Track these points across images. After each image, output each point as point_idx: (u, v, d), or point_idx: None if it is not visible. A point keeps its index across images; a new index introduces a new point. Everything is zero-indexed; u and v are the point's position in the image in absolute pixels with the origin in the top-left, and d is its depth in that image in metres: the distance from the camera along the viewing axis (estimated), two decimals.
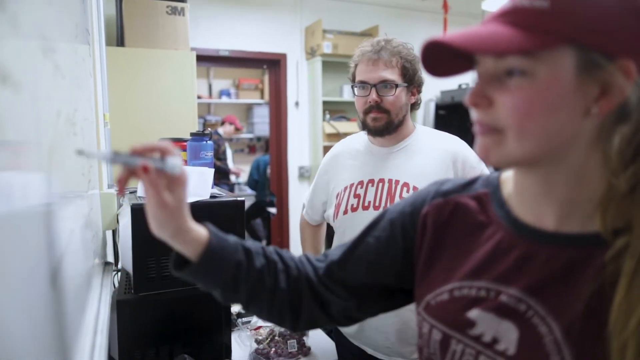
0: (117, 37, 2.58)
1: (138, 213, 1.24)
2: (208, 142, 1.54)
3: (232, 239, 0.71)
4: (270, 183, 4.44)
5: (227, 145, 5.71)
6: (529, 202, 0.62)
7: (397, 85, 1.31)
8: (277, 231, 4.24)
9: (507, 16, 0.55)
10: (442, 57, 0.59)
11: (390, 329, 1.29)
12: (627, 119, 0.54)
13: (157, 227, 0.66)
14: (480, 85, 0.57)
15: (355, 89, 1.36)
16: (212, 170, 1.38)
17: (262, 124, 6.17)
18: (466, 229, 0.68)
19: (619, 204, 0.54)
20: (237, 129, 5.73)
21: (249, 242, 0.74)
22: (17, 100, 0.37)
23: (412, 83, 1.34)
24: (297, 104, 3.97)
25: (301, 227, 1.71)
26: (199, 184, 1.32)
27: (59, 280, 0.53)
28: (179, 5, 2.47)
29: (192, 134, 1.57)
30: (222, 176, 5.23)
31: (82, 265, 0.82)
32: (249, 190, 5.72)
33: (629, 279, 0.50)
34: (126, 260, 1.39)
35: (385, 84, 1.30)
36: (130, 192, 1.55)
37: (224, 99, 6.17)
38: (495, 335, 0.59)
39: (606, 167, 0.55)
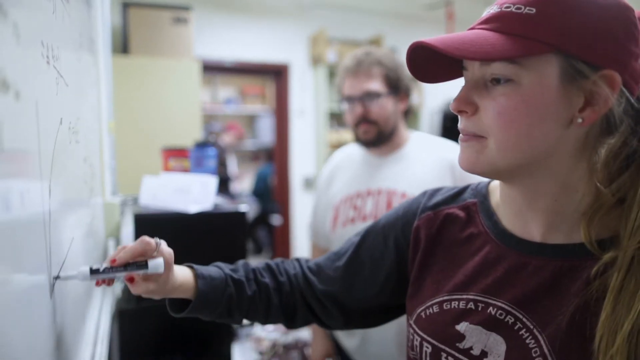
0: (123, 46, 2.59)
1: (141, 222, 1.24)
2: (211, 150, 1.54)
3: (219, 275, 0.74)
4: (274, 192, 4.43)
5: (232, 155, 5.75)
6: (515, 213, 0.62)
7: (380, 95, 1.30)
8: (281, 241, 4.23)
9: (493, 21, 0.55)
10: (431, 63, 0.60)
11: (391, 341, 1.26)
12: (613, 130, 0.54)
13: (147, 297, 0.67)
14: (465, 91, 0.57)
15: (344, 104, 1.36)
16: (215, 179, 1.37)
17: (266, 133, 6.18)
18: (456, 240, 0.68)
19: (605, 216, 0.54)
20: (240, 135, 5.74)
21: (240, 268, 0.77)
22: (18, 108, 0.36)
23: (398, 90, 1.33)
24: (301, 112, 3.98)
25: (312, 254, 1.65)
26: (202, 193, 1.32)
27: (59, 290, 0.52)
28: (183, 15, 2.49)
29: (196, 143, 1.57)
30: (221, 184, 5.23)
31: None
32: (251, 200, 5.73)
33: (615, 294, 0.50)
34: None
35: (368, 95, 1.30)
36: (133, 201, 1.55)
37: (229, 107, 6.18)
38: (484, 349, 0.58)
39: (592, 178, 0.55)
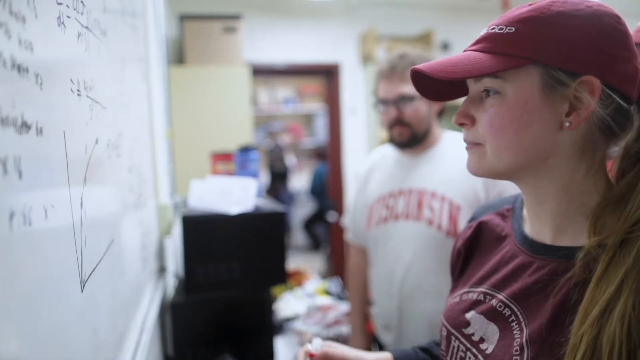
0: (179, 56, 2.77)
1: (188, 223, 1.35)
2: (253, 154, 1.64)
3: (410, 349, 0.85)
4: (328, 190, 4.51)
5: (290, 154, 5.96)
6: (532, 217, 0.67)
7: (414, 98, 1.32)
8: (336, 236, 4.31)
9: (481, 42, 0.61)
10: (441, 83, 0.66)
11: (423, 339, 1.29)
12: (613, 131, 0.57)
13: None
14: (465, 106, 0.64)
15: (378, 106, 1.40)
16: (255, 182, 1.46)
17: (323, 131, 6.29)
18: (489, 242, 0.75)
19: (610, 216, 0.56)
20: (298, 136, 5.92)
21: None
22: (41, 141, 0.45)
23: None
24: (353, 111, 4.02)
25: (349, 251, 1.69)
26: (243, 195, 1.42)
27: (91, 286, 0.61)
28: (233, 24, 2.62)
29: (240, 147, 1.68)
30: (280, 180, 5.47)
31: (127, 271, 0.92)
32: (309, 198, 5.90)
33: (596, 280, 0.52)
34: (180, 265, 1.52)
35: (402, 98, 1.32)
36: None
37: (287, 107, 6.35)
38: (483, 336, 0.64)
39: (598, 180, 0.59)
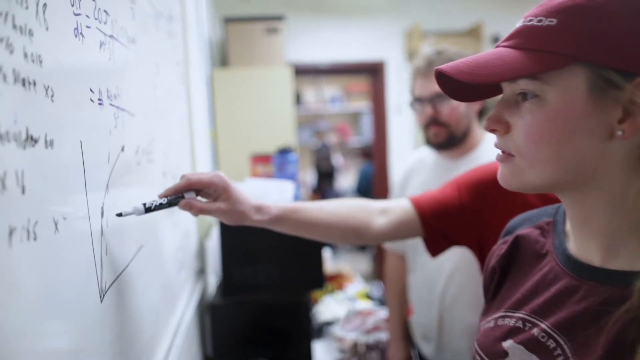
0: (224, 59, 2.82)
1: (225, 226, 1.36)
2: (291, 156, 1.63)
3: None
4: (374, 190, 4.46)
5: (337, 153, 5.97)
6: (575, 234, 0.59)
7: None
8: None
9: (515, 37, 0.54)
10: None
11: (465, 351, 1.23)
12: None
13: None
14: (497, 110, 0.56)
15: (414, 105, 1.34)
16: (292, 184, 1.45)
17: (370, 130, 6.24)
18: (527, 259, 0.67)
19: None
20: (344, 136, 5.91)
21: None
22: (51, 153, 0.45)
23: None
24: (399, 109, 3.94)
25: (387, 257, 1.64)
26: (279, 197, 1.41)
27: (113, 295, 0.62)
28: (275, 25, 2.63)
29: (278, 149, 1.67)
30: (326, 180, 5.48)
31: (159, 275, 0.93)
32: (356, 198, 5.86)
33: None
34: (218, 267, 1.53)
35: (439, 96, 1.25)
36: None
37: (334, 106, 6.32)
38: None
39: None
